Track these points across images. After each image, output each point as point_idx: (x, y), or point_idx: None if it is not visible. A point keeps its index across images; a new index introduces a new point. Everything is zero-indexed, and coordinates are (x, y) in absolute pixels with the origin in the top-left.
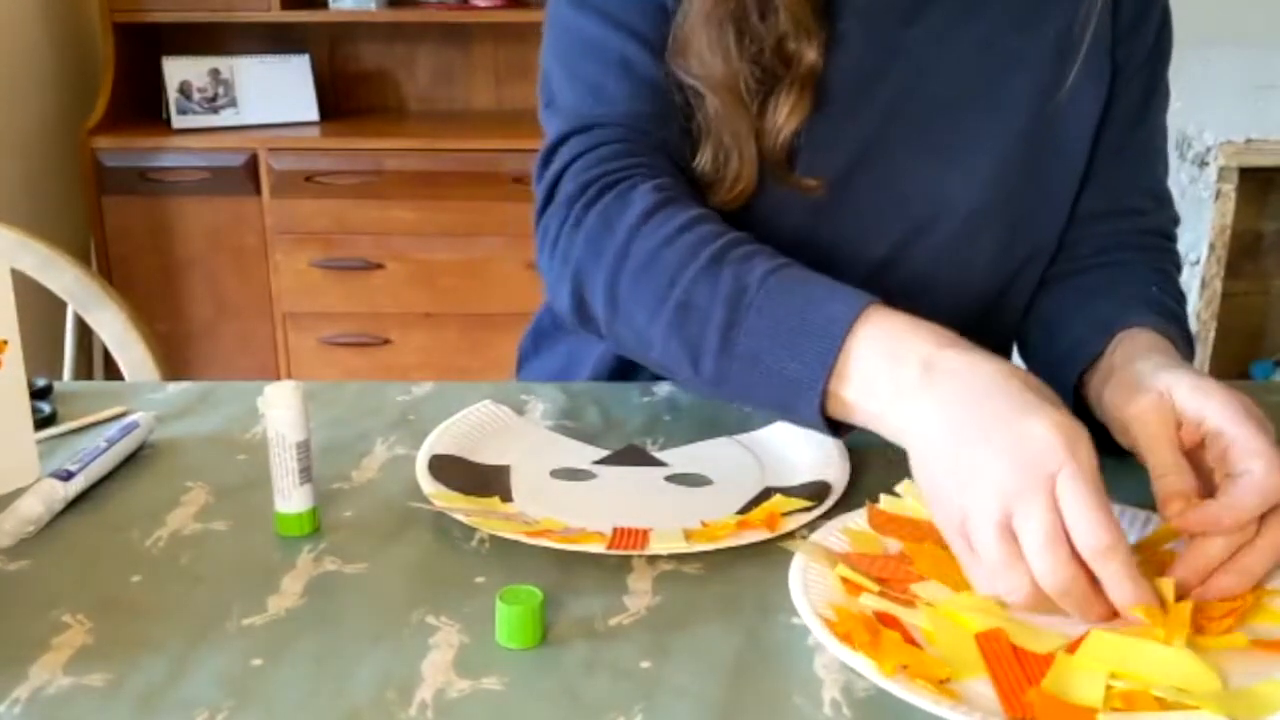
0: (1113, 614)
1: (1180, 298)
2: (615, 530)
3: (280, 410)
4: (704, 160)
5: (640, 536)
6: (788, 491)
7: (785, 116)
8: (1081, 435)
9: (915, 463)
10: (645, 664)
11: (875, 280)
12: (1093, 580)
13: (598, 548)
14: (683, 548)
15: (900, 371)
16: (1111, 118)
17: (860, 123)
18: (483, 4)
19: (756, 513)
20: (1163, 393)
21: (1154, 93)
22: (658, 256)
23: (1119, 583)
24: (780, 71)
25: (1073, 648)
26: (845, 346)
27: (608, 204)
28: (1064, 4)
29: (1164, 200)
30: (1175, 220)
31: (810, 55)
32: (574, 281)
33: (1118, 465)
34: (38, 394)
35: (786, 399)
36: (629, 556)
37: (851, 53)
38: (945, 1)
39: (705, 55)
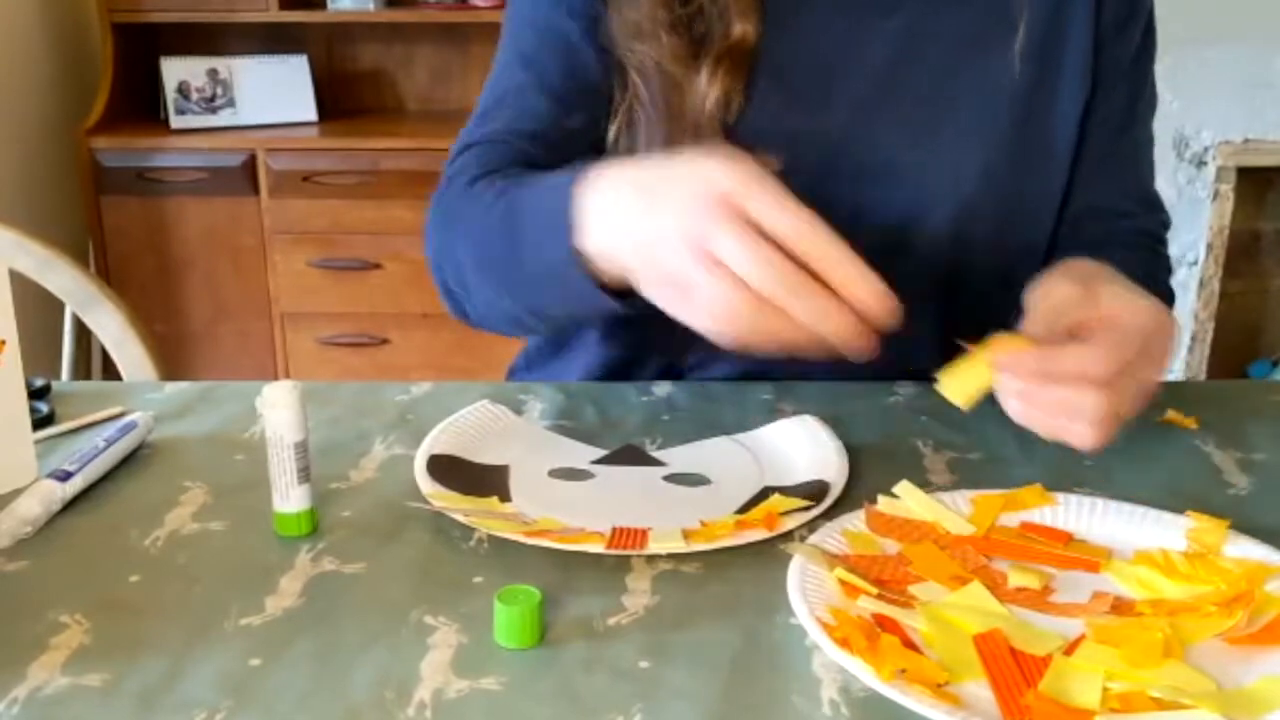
0: (841, 312)
1: (1167, 295)
2: (614, 530)
3: (278, 410)
4: (625, 142)
5: (639, 536)
6: (786, 491)
7: (707, 84)
8: (757, 169)
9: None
10: (644, 664)
11: None
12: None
13: (596, 548)
14: (681, 547)
15: (621, 201)
16: (1099, 122)
17: (835, 110)
18: (481, 4)
19: (755, 512)
20: (1088, 288)
21: (1140, 96)
22: (473, 223)
23: (837, 262)
24: (711, 43)
25: (1070, 649)
26: (574, 204)
27: (450, 197)
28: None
29: (1153, 204)
30: (1165, 224)
31: (739, 26)
32: (438, 271)
33: (1122, 459)
34: (36, 394)
35: (565, 284)
36: (628, 556)
37: (823, 40)
38: None
39: (641, 23)
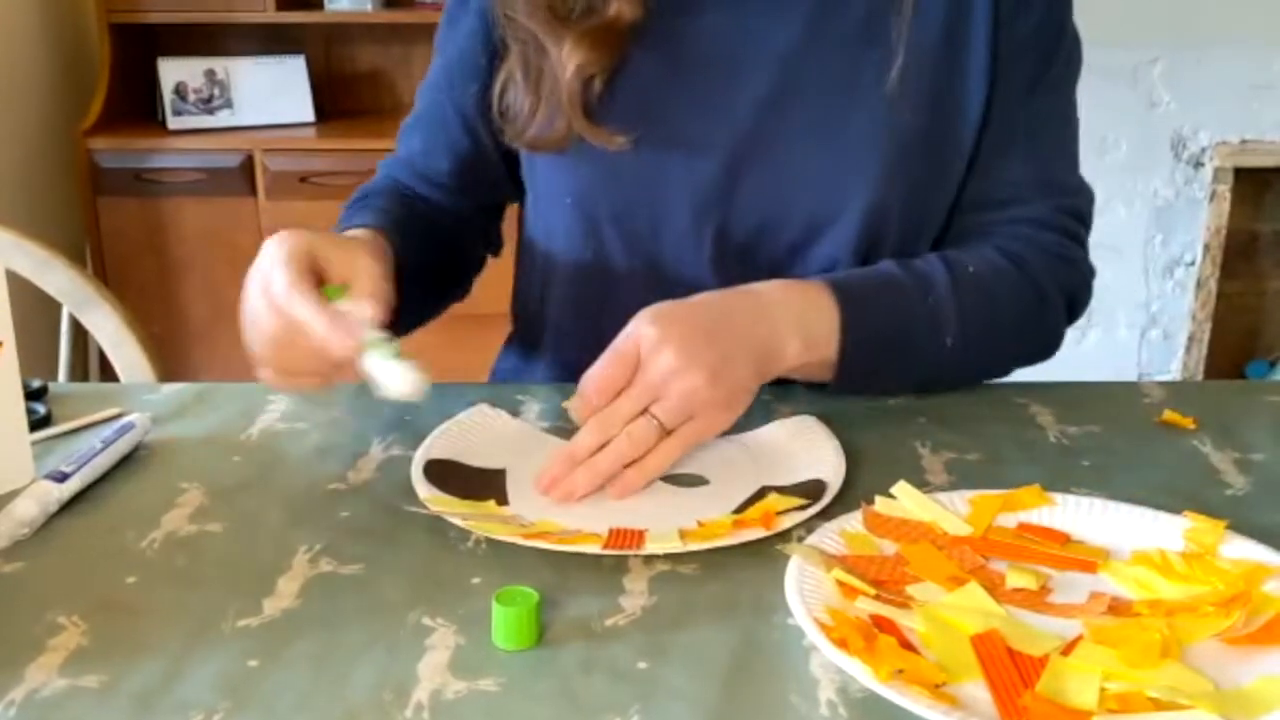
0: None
1: (1034, 279)
2: (611, 531)
3: None
4: (500, 106)
5: (636, 537)
6: (783, 490)
7: (567, 56)
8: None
9: None
10: (642, 664)
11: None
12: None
13: (594, 548)
14: (678, 548)
15: None
16: (995, 106)
17: (739, 102)
18: None
19: (752, 512)
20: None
21: (1042, 77)
22: None
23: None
24: (588, 19)
25: (1068, 650)
26: None
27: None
28: None
29: (1052, 186)
30: (1064, 207)
31: (615, 5)
32: None
33: (1120, 460)
34: (32, 395)
35: None
36: (625, 557)
37: (722, 31)
38: None
39: None
